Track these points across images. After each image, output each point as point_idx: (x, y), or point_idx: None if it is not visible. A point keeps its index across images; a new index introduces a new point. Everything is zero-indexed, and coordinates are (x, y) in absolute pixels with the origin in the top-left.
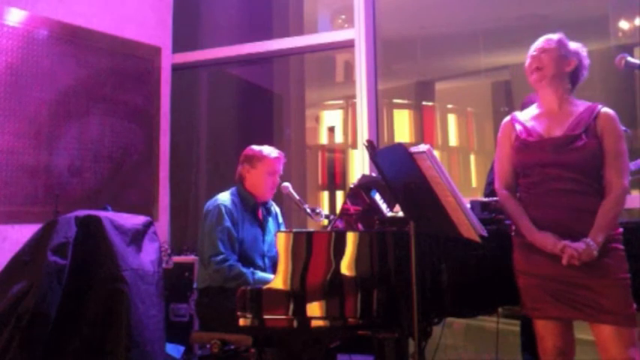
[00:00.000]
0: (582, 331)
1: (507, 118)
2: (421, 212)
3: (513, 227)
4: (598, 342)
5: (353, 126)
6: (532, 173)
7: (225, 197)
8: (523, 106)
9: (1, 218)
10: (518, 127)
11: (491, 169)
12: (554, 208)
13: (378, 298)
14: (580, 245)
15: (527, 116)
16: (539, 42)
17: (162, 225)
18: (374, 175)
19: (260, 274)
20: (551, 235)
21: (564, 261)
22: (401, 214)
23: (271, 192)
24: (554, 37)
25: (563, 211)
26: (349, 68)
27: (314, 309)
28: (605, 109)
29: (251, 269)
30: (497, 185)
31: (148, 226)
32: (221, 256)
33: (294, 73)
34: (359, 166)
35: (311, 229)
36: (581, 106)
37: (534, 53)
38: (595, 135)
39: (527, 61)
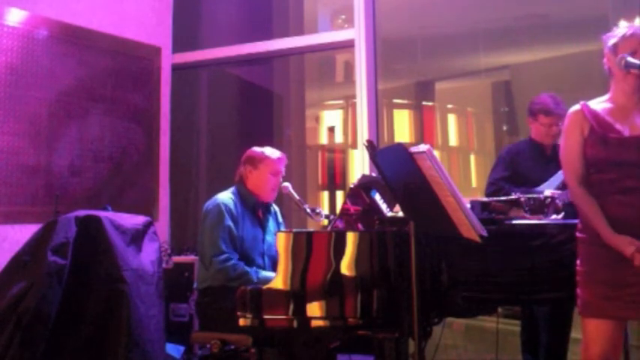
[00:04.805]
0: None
1: (577, 107)
2: (421, 212)
3: (580, 225)
4: None
5: (353, 126)
6: (608, 170)
7: (224, 196)
8: (531, 107)
9: (1, 218)
10: (592, 119)
11: (493, 169)
12: (630, 208)
13: (378, 298)
14: None
15: (599, 108)
16: None
17: (162, 225)
18: (374, 175)
19: (263, 273)
20: (629, 238)
21: (637, 262)
22: (401, 214)
23: (273, 193)
24: None
25: (637, 211)
26: (349, 68)
27: (314, 309)
28: None
29: (254, 268)
30: (570, 180)
31: (148, 226)
32: (224, 255)
33: (294, 73)
34: (359, 166)
35: (311, 229)
36: None
37: None
38: None
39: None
